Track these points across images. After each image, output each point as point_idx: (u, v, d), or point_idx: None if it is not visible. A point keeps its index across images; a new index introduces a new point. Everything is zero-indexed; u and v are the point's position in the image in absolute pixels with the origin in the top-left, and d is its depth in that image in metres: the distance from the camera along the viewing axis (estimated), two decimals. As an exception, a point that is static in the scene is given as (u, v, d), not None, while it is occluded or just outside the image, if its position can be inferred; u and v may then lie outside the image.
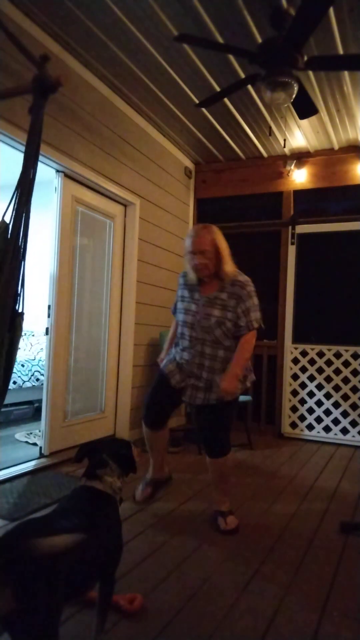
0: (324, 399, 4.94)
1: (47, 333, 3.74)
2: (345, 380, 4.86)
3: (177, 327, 2.73)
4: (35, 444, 3.95)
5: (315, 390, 4.98)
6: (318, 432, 4.94)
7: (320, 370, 4.99)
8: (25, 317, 2.09)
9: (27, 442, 4.15)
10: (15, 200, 2.05)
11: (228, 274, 2.54)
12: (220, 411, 2.61)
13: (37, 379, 5.04)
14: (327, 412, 4.91)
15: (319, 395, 4.96)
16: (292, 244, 5.18)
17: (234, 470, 3.69)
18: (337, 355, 4.91)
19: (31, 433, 4.41)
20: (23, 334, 4.56)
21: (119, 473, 1.65)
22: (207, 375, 2.56)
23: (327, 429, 4.91)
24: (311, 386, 5.00)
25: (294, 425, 5.06)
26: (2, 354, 1.94)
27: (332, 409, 4.89)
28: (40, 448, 3.74)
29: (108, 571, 1.54)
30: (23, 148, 3.09)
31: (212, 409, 2.60)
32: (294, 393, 5.09)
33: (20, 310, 2.06)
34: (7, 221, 2.04)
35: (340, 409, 4.86)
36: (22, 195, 2.04)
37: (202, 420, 2.67)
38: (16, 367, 4.89)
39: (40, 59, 2.15)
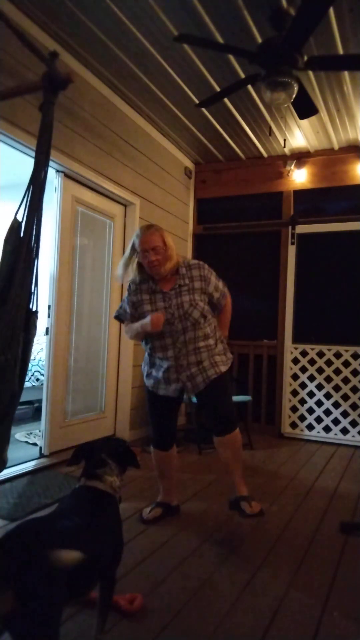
0: (324, 399, 4.94)
1: (47, 333, 3.74)
2: (345, 380, 4.86)
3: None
4: (35, 444, 3.95)
5: (315, 390, 4.98)
6: (318, 432, 4.94)
7: (320, 370, 4.99)
8: (39, 315, 2.09)
9: (27, 442, 4.15)
10: (27, 198, 2.04)
11: (179, 262, 2.61)
12: (220, 382, 2.61)
13: (37, 379, 5.05)
14: (327, 412, 4.91)
15: (319, 395, 4.96)
16: (292, 244, 5.18)
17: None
18: (337, 355, 4.91)
19: (31, 433, 4.41)
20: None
21: (118, 472, 1.65)
22: (196, 357, 2.56)
23: (327, 429, 4.91)
24: (311, 386, 5.00)
25: (294, 425, 5.06)
26: (18, 353, 1.93)
27: (332, 409, 4.89)
28: (40, 448, 3.74)
29: (109, 571, 1.54)
30: (23, 148, 3.13)
31: (213, 384, 2.59)
32: (294, 393, 5.09)
33: (34, 309, 2.05)
34: (20, 219, 2.03)
35: (340, 409, 4.85)
36: (34, 193, 2.04)
37: (208, 399, 2.63)
38: (16, 367, 4.89)
39: (50, 56, 2.15)
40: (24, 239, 2.00)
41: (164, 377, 2.59)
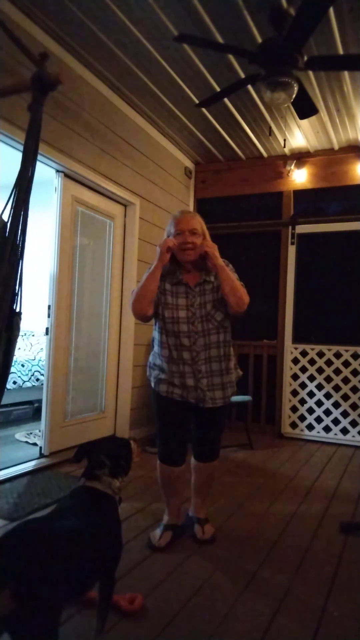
0: (324, 399, 4.94)
1: (47, 333, 3.74)
2: (345, 380, 4.86)
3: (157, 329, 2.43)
4: (35, 444, 3.95)
5: (315, 390, 4.98)
6: (318, 432, 4.94)
7: (320, 370, 4.99)
8: (22, 316, 2.07)
9: (27, 442, 4.15)
10: (13, 198, 2.03)
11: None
12: (226, 408, 2.47)
13: (37, 379, 5.04)
14: (327, 412, 4.91)
15: (319, 395, 4.96)
16: (292, 244, 5.18)
17: (235, 470, 3.69)
18: (337, 355, 4.91)
19: (31, 433, 4.41)
20: (22, 333, 4.57)
21: (118, 473, 1.65)
22: (219, 365, 2.35)
23: (327, 429, 4.91)
24: (311, 386, 5.00)
25: (294, 425, 5.06)
26: (0, 353, 1.92)
27: (332, 409, 4.89)
28: (40, 448, 3.74)
29: (108, 571, 1.54)
30: (23, 148, 3.12)
31: (222, 409, 2.42)
32: (294, 393, 5.09)
33: (17, 310, 2.03)
34: (5, 219, 2.02)
35: (340, 409, 4.85)
36: (20, 193, 2.03)
37: (208, 422, 2.46)
38: (16, 367, 4.89)
39: (40, 57, 2.15)
40: (8, 239, 1.98)
41: (180, 382, 2.35)
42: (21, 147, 3.12)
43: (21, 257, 2.03)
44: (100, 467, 1.61)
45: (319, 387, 4.97)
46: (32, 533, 1.26)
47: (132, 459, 1.76)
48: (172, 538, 2.44)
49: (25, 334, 5.50)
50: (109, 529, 1.53)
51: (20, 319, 2.04)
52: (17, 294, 2.03)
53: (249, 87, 3.59)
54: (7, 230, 1.99)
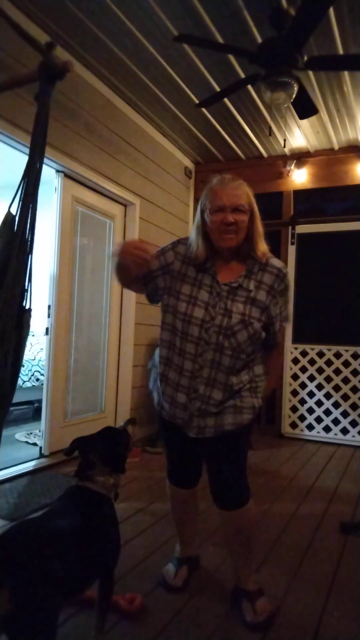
0: (324, 399, 4.94)
1: (47, 333, 3.74)
2: (345, 380, 4.86)
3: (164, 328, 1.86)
4: (35, 444, 3.95)
5: (315, 390, 4.98)
6: (318, 432, 4.94)
7: (320, 370, 4.99)
8: (32, 313, 2.02)
9: (27, 442, 4.15)
10: (21, 192, 1.98)
11: (261, 254, 1.78)
12: (237, 440, 1.82)
13: (37, 379, 5.04)
14: (327, 412, 4.91)
15: (319, 395, 4.96)
16: (292, 244, 5.18)
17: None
18: (337, 355, 4.91)
19: (31, 433, 4.41)
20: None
21: (110, 472, 1.60)
22: (220, 395, 1.74)
23: (327, 429, 4.91)
24: (311, 386, 5.00)
25: (294, 425, 5.06)
26: (10, 352, 1.88)
27: (332, 409, 4.89)
28: (40, 448, 3.74)
29: (107, 571, 1.54)
30: (23, 148, 3.12)
31: (226, 439, 1.79)
32: (294, 393, 5.09)
33: (27, 307, 1.98)
34: (14, 213, 1.97)
35: (340, 409, 4.85)
36: (28, 186, 1.98)
37: (214, 458, 1.86)
38: (16, 367, 4.88)
39: (46, 46, 2.13)
40: (17, 233, 1.92)
41: (170, 394, 1.81)
42: (21, 147, 3.14)
43: (30, 252, 1.98)
44: (92, 467, 1.58)
45: (319, 387, 4.97)
46: (28, 533, 1.26)
47: (130, 448, 1.72)
48: (189, 572, 2.04)
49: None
50: (104, 527, 1.52)
51: (30, 316, 1.98)
52: (26, 290, 1.97)
53: (249, 87, 3.59)
54: (16, 224, 1.94)
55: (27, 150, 3.08)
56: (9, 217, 1.95)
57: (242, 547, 1.89)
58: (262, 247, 1.78)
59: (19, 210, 1.95)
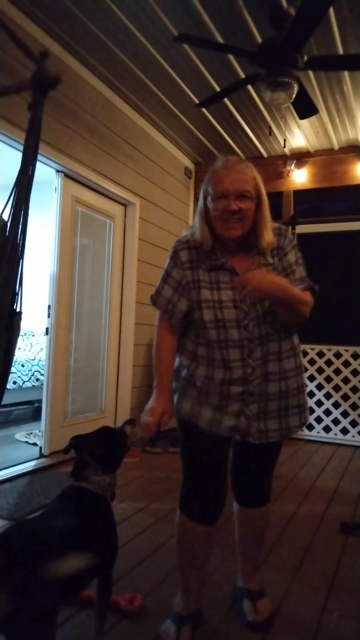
0: (324, 399, 4.94)
1: (47, 333, 3.74)
2: (345, 380, 4.86)
3: (185, 341, 1.70)
4: (35, 444, 3.95)
5: (315, 390, 4.98)
6: (318, 432, 4.94)
7: (320, 370, 4.99)
8: (23, 316, 2.07)
9: (27, 442, 4.15)
10: (13, 197, 2.03)
11: (267, 245, 1.63)
12: (280, 444, 1.77)
13: (37, 379, 5.04)
14: (327, 412, 4.91)
15: (319, 395, 4.96)
16: (292, 244, 5.17)
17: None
18: (337, 355, 4.91)
19: (31, 433, 4.41)
20: (22, 333, 4.56)
21: (105, 471, 1.58)
22: (280, 385, 1.63)
23: (327, 429, 4.91)
24: (311, 386, 5.00)
25: (294, 425, 5.05)
26: (0, 355, 1.92)
27: (332, 409, 4.89)
28: (40, 448, 3.74)
29: (104, 571, 1.54)
30: (23, 147, 3.12)
31: (278, 443, 1.73)
32: (294, 393, 5.08)
33: (18, 310, 2.03)
34: (5, 218, 2.02)
35: (340, 409, 4.85)
36: (20, 192, 2.02)
37: (257, 458, 1.75)
38: (16, 367, 4.89)
39: (40, 55, 2.15)
40: (8, 238, 1.98)
41: (218, 404, 1.62)
42: (21, 147, 3.14)
43: (21, 256, 2.03)
44: (87, 466, 1.57)
45: (319, 387, 4.97)
46: (25, 534, 1.26)
47: (128, 448, 1.70)
48: (193, 631, 1.68)
49: (25, 334, 5.50)
50: (101, 527, 1.52)
51: (20, 318, 2.04)
52: (17, 294, 2.03)
53: (249, 87, 3.60)
54: (8, 229, 1.99)
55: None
56: (1, 222, 2.01)
57: (255, 545, 1.85)
58: (269, 237, 1.62)
59: (11, 216, 2.00)
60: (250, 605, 1.79)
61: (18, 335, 2.04)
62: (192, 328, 1.67)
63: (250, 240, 1.62)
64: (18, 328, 2.04)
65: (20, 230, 2.02)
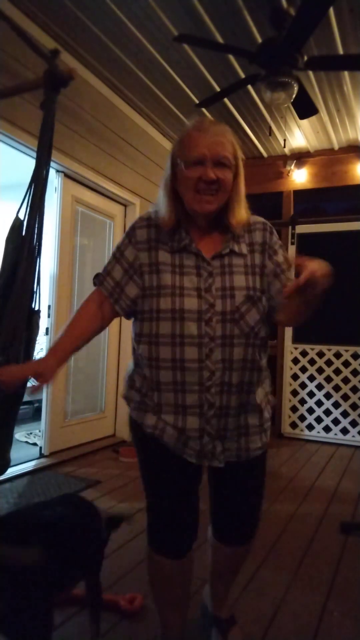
0: (324, 399, 4.94)
1: (47, 333, 3.74)
2: (345, 380, 4.86)
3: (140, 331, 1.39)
4: (35, 444, 3.95)
5: (315, 390, 4.98)
6: (318, 432, 4.94)
7: (320, 370, 4.99)
8: (41, 314, 2.09)
9: (27, 442, 4.15)
10: (29, 198, 2.03)
11: (236, 223, 1.37)
12: (262, 460, 1.47)
13: (37, 379, 5.04)
14: (327, 412, 4.92)
15: (319, 395, 4.96)
16: (292, 244, 5.18)
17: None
18: (337, 355, 4.91)
19: (31, 433, 4.41)
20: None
21: None
22: (240, 399, 1.36)
23: (327, 429, 4.91)
24: (311, 386, 5.00)
25: (294, 425, 5.06)
26: (21, 351, 1.93)
27: (332, 409, 4.89)
28: (40, 448, 3.74)
29: (91, 568, 1.50)
30: (23, 148, 3.13)
31: (250, 465, 1.43)
32: (294, 393, 5.09)
33: (36, 309, 2.05)
34: (22, 218, 2.02)
35: (340, 409, 4.86)
36: (36, 192, 2.03)
37: (234, 484, 1.46)
38: (16, 367, 4.89)
39: (51, 53, 2.15)
40: (25, 238, 1.99)
41: (176, 421, 1.34)
42: (21, 147, 3.15)
43: (38, 255, 2.04)
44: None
45: (319, 387, 4.97)
46: (10, 527, 1.25)
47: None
48: None
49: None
50: (89, 522, 1.49)
51: (39, 317, 2.05)
52: (35, 293, 2.04)
53: (249, 87, 3.60)
54: (24, 229, 1.99)
55: (27, 151, 3.11)
56: (17, 222, 2.01)
57: (232, 576, 1.63)
58: (240, 215, 1.37)
59: (27, 216, 2.01)
60: (219, 636, 1.59)
61: (37, 333, 2.06)
62: (141, 322, 1.38)
63: (222, 217, 1.37)
64: (37, 327, 2.05)
65: (36, 230, 2.02)
